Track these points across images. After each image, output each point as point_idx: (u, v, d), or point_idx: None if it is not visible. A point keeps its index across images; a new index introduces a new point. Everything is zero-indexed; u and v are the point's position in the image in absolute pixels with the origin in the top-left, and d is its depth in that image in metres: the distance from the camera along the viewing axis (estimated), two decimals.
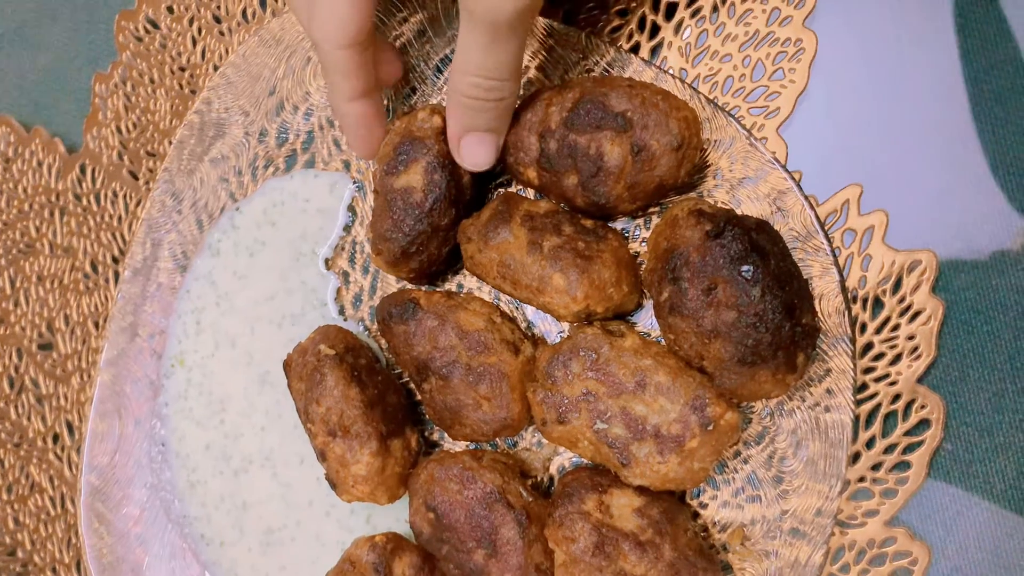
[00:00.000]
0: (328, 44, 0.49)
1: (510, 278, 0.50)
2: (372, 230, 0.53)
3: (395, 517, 0.57)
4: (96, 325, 0.66)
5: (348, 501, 0.52)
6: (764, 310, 0.44)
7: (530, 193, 0.54)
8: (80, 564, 0.65)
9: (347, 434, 0.51)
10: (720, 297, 0.45)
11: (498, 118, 0.49)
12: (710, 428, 0.45)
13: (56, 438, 0.67)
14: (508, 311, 0.55)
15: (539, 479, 0.54)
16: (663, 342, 0.50)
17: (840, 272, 0.48)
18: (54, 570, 0.66)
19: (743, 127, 0.50)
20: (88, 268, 0.67)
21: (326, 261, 0.60)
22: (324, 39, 0.48)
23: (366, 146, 0.54)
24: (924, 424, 0.49)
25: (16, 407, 0.68)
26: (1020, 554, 0.47)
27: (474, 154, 0.50)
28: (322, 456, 0.52)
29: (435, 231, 0.52)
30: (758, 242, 0.45)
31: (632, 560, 0.46)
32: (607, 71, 0.53)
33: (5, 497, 0.68)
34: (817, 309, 0.48)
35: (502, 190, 0.55)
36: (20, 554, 0.67)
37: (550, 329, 0.54)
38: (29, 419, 0.67)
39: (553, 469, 0.54)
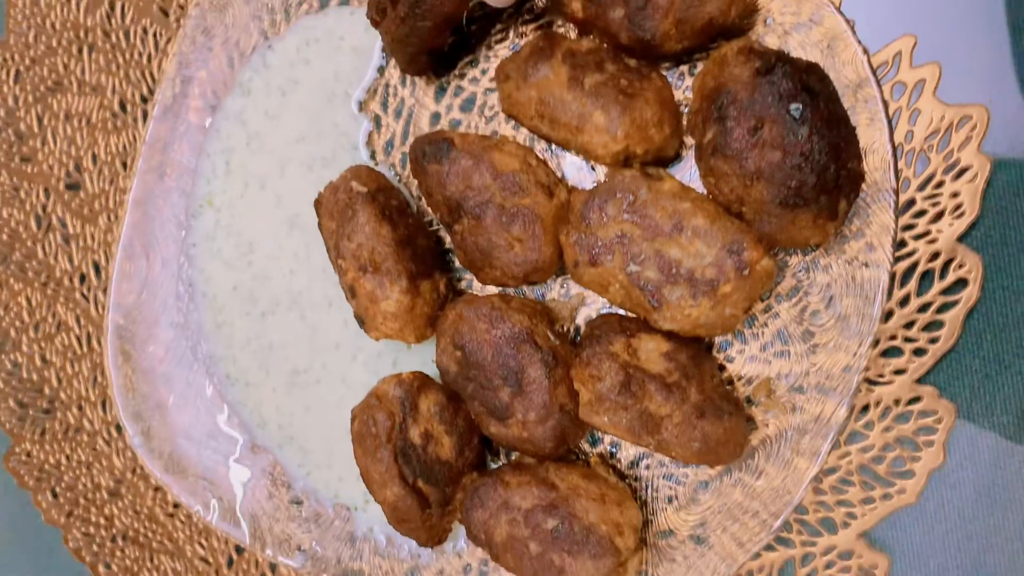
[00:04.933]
0: None
1: (548, 116, 0.49)
2: None
3: (421, 362, 0.57)
4: (124, 165, 0.65)
5: (376, 339, 0.52)
6: (811, 150, 0.43)
7: (572, 35, 0.53)
8: (106, 402, 0.66)
9: (377, 271, 0.51)
10: (766, 137, 0.43)
11: None
12: (746, 272, 0.45)
13: (83, 278, 0.67)
14: (543, 159, 0.54)
15: (565, 328, 0.54)
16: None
17: (889, 123, 0.47)
18: (80, 407, 0.67)
19: None
20: (116, 107, 0.65)
21: (359, 103, 0.59)
22: None
23: None
24: (961, 284, 0.48)
25: (43, 246, 0.68)
26: None
27: None
28: (351, 292, 0.52)
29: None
30: (808, 82, 0.44)
31: (658, 400, 0.46)
32: None
33: (32, 335, 0.68)
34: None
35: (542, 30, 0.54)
36: (47, 391, 0.68)
37: (584, 180, 0.53)
38: (56, 259, 0.67)
39: (580, 320, 0.54)
